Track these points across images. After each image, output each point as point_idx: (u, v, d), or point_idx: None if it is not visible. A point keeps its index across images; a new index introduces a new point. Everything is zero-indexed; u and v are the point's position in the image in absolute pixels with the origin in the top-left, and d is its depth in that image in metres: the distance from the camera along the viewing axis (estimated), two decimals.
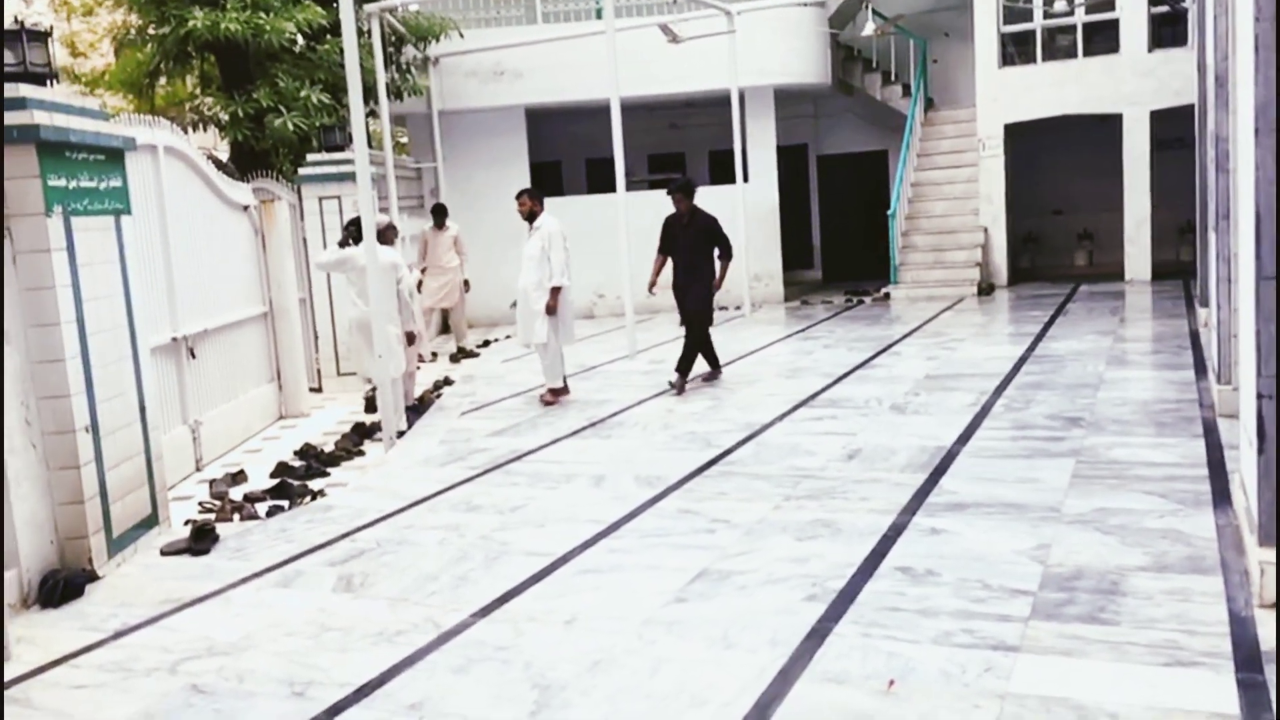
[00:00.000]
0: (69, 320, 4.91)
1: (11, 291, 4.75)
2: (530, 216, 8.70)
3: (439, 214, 12.76)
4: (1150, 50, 14.35)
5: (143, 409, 5.57)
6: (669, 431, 7.46)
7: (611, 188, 11.57)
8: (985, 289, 14.79)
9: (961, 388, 8.22)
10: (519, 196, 8.79)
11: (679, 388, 8.88)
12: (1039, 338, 10.47)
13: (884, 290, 15.28)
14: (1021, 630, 3.75)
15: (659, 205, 15.28)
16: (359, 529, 5.61)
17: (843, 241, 18.37)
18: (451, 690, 3.61)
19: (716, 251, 9.17)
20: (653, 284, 9.33)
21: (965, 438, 6.61)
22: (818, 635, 3.84)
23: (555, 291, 8.60)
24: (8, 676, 3.96)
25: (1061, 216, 17.16)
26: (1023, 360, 9.25)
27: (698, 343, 9.15)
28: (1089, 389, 7.80)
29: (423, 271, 12.41)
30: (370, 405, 9.12)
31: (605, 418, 8.08)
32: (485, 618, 4.25)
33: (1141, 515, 4.89)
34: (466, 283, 12.97)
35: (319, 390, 10.51)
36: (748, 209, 14.14)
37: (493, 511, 5.76)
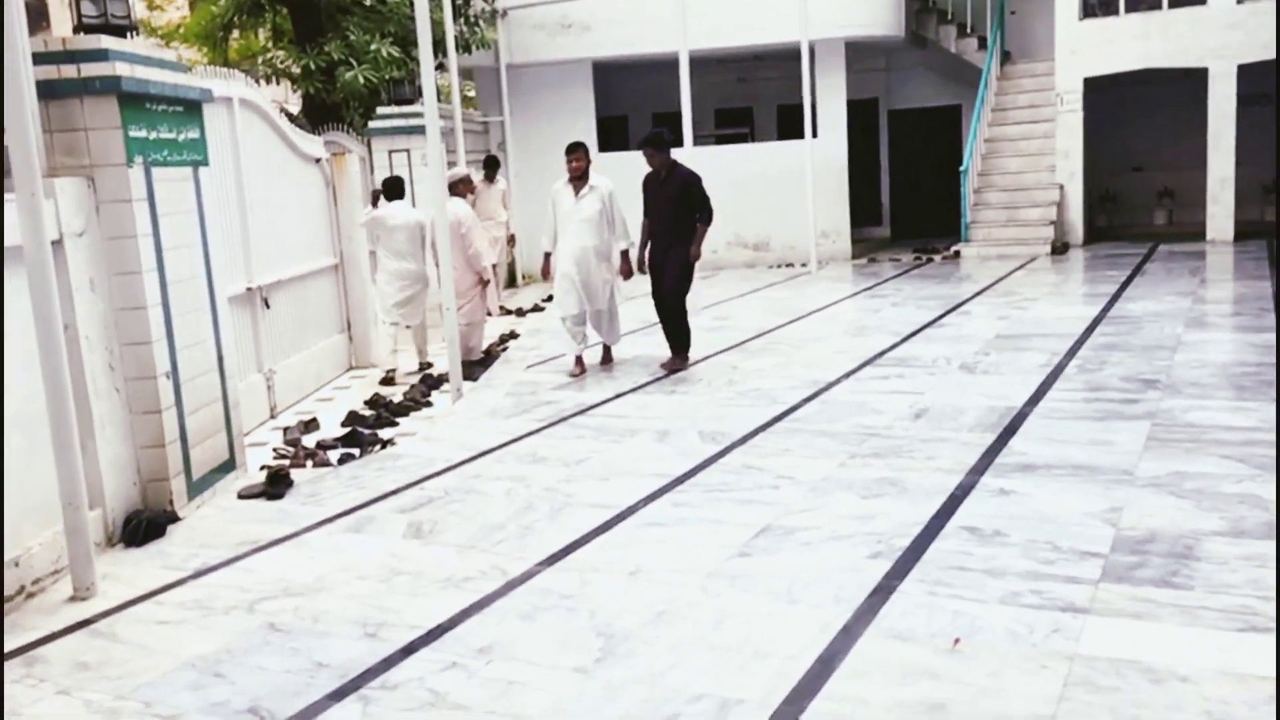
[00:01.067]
0: (150, 269, 5.03)
1: (95, 240, 4.88)
2: (584, 174, 8.05)
3: (491, 166, 12.70)
4: (1239, 1, 13.79)
5: (220, 357, 5.70)
6: (734, 388, 7.45)
7: (678, 143, 11.48)
8: (1059, 248, 14.46)
9: (1033, 348, 8.08)
10: (575, 150, 8.05)
11: (679, 367, 8.15)
12: (1115, 298, 10.23)
13: (954, 248, 15.02)
14: (1091, 592, 3.71)
15: (727, 161, 15.27)
16: (428, 478, 5.71)
17: (913, 198, 18.06)
18: (519, 636, 3.68)
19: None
20: (641, 258, 8.26)
21: (1036, 398, 6.51)
22: (882, 592, 3.84)
23: (628, 255, 8.22)
24: (94, 611, 4.12)
25: (1141, 174, 16.68)
26: (1097, 321, 9.05)
27: (678, 320, 8.26)
28: (1166, 351, 7.62)
29: None
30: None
31: (669, 373, 8.08)
32: (551, 567, 4.31)
33: (1218, 480, 4.78)
34: (512, 237, 13.00)
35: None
36: (816, 165, 13.96)
37: (558, 464, 5.82)
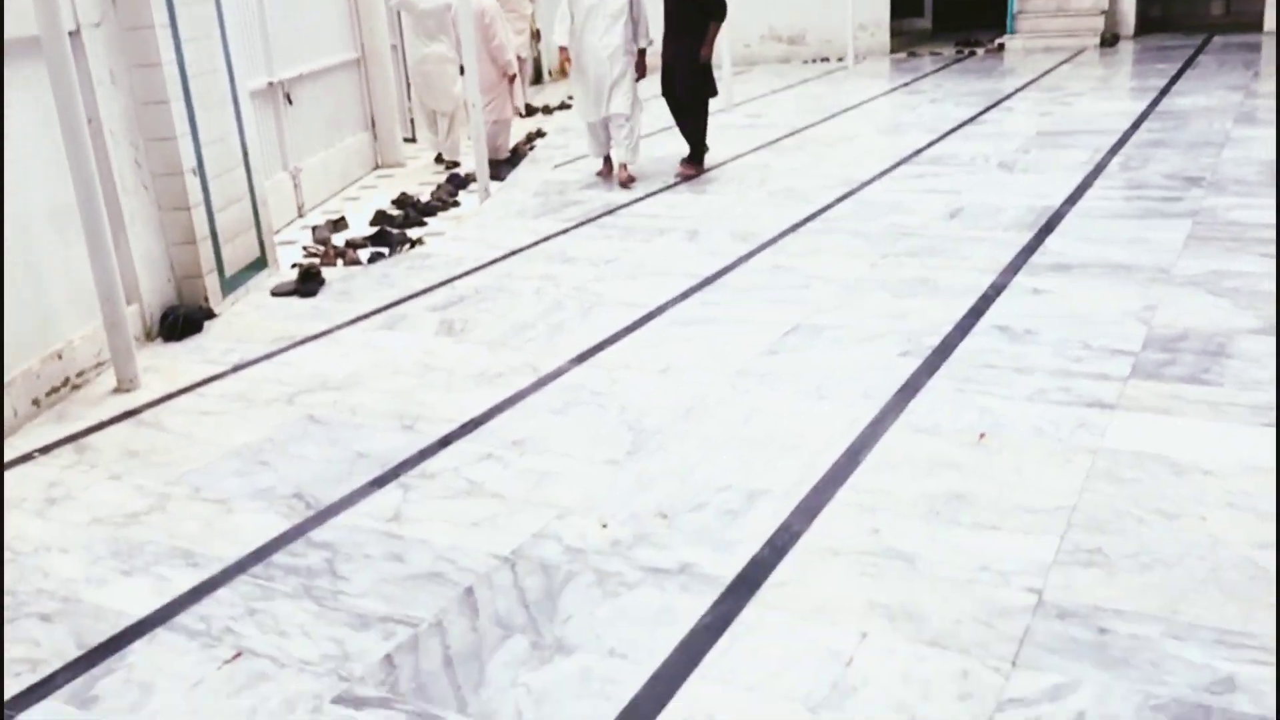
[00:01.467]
0: (169, 61, 4.90)
1: (112, 31, 4.74)
2: None
3: None
4: None
5: (245, 153, 5.63)
6: (765, 187, 7.32)
7: None
8: (1109, 40, 13.81)
9: (1075, 145, 7.83)
10: None
11: (691, 173, 7.81)
12: (1163, 93, 9.83)
13: (998, 41, 14.38)
14: (1119, 389, 3.72)
15: None
16: (457, 277, 5.72)
17: None
18: (551, 429, 3.76)
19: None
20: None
21: (1075, 197, 6.36)
22: (910, 389, 3.87)
23: (644, 54, 7.70)
24: (139, 402, 4.24)
25: None
26: (1143, 117, 8.73)
27: (696, 123, 7.89)
28: (1213, 147, 7.37)
29: None
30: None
31: (682, 179, 7.94)
32: (581, 364, 4.36)
33: (1258, 278, 4.71)
34: (537, 31, 12.48)
35: (413, 140, 10.49)
36: None
37: (586, 263, 5.81)
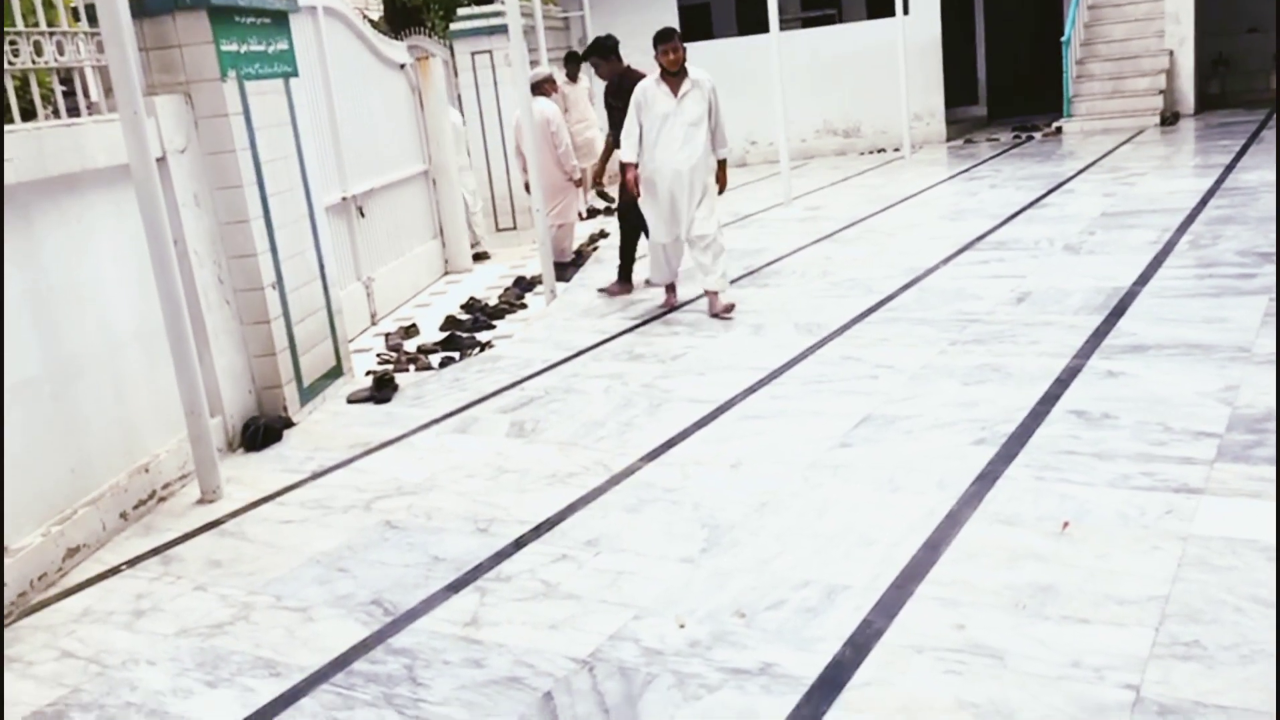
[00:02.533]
0: (250, 182, 5.13)
1: (196, 155, 4.98)
2: (682, 68, 6.55)
3: (571, 62, 11.90)
4: None
5: (322, 266, 5.83)
6: (828, 279, 7.36)
7: (763, 28, 11.15)
8: (1169, 118, 13.76)
9: (1142, 225, 7.77)
10: (669, 39, 6.50)
11: (621, 290, 7.59)
12: (1229, 169, 9.73)
13: (1055, 124, 14.41)
14: (1206, 473, 3.62)
15: (814, 44, 14.80)
16: (527, 378, 5.81)
17: (1010, 74, 17.30)
18: (625, 528, 3.76)
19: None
20: (598, 175, 8.16)
21: (1146, 277, 6.28)
22: (987, 478, 3.81)
23: (725, 165, 6.85)
24: (222, 512, 4.34)
25: (1256, 35, 15.64)
26: (1210, 193, 8.64)
27: (631, 234, 7.57)
28: None
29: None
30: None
31: (761, 266, 8.02)
32: (653, 461, 4.37)
33: None
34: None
35: (480, 248, 10.75)
36: (908, 43, 13.42)
37: (654, 360, 5.86)
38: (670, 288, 7.18)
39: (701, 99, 6.57)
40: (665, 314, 6.90)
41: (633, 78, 7.16)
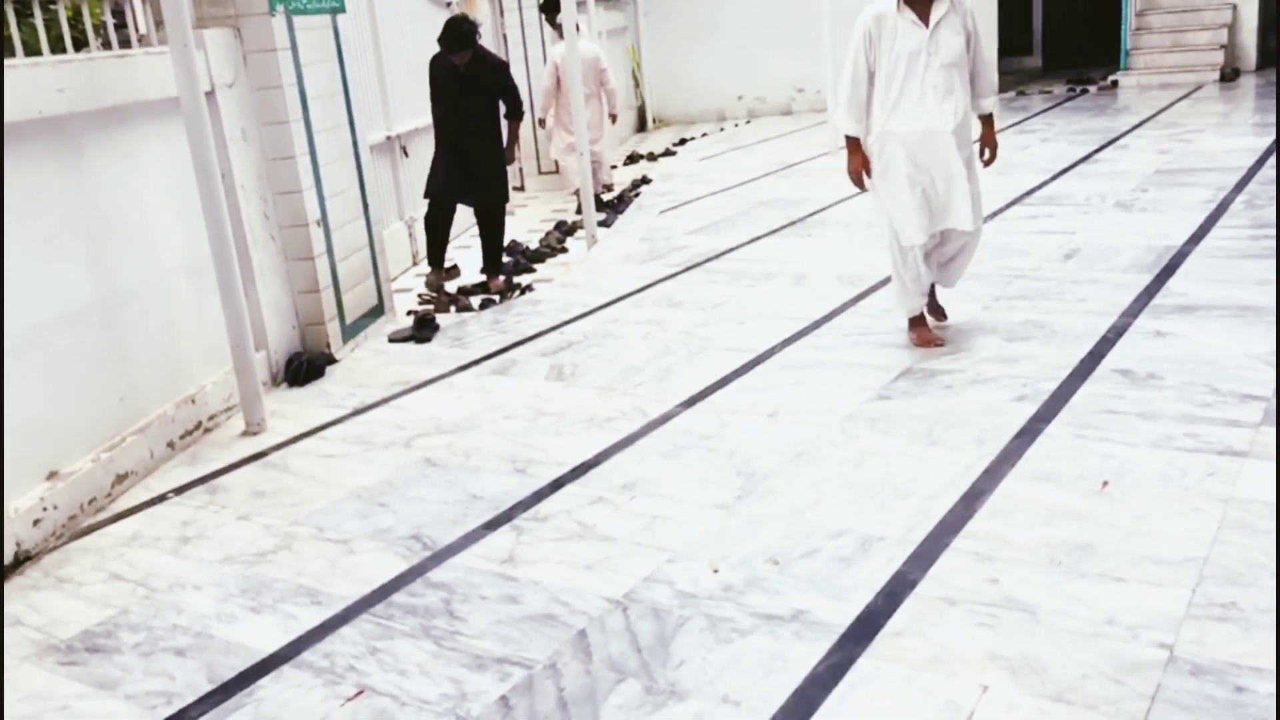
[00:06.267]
0: (297, 118, 5.14)
1: (244, 90, 5.00)
2: None
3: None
4: None
5: (365, 204, 5.86)
6: (871, 230, 7.26)
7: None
8: (1229, 74, 13.38)
9: (1197, 183, 7.60)
10: None
11: (502, 287, 6.74)
12: None
13: (1112, 78, 14.06)
14: (1251, 436, 3.58)
15: None
16: (566, 322, 5.82)
17: (1067, 24, 16.84)
18: (661, 473, 3.78)
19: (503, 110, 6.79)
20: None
21: (1198, 237, 6.16)
22: (1027, 435, 3.78)
23: (992, 120, 4.84)
24: (266, 445, 4.41)
25: None
26: (1269, 152, 8.41)
27: (501, 231, 6.93)
28: None
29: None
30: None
31: (805, 216, 7.95)
32: (690, 408, 4.38)
33: None
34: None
35: (521, 189, 10.73)
36: None
37: (694, 308, 5.85)
38: (922, 320, 4.90)
39: (959, 26, 4.49)
40: (707, 261, 6.87)
41: (486, 64, 6.55)
